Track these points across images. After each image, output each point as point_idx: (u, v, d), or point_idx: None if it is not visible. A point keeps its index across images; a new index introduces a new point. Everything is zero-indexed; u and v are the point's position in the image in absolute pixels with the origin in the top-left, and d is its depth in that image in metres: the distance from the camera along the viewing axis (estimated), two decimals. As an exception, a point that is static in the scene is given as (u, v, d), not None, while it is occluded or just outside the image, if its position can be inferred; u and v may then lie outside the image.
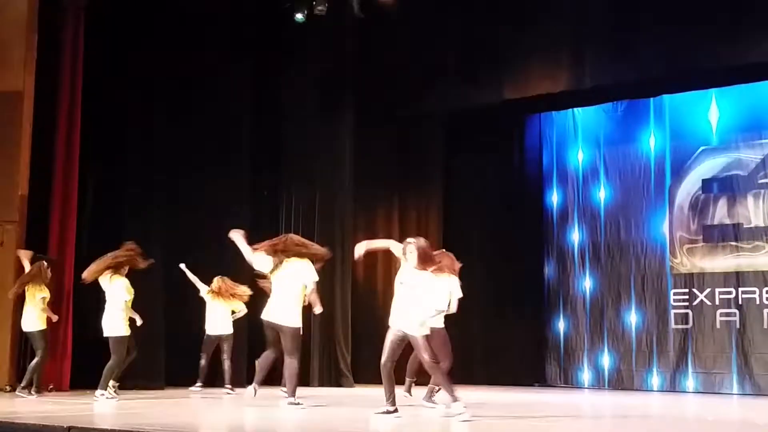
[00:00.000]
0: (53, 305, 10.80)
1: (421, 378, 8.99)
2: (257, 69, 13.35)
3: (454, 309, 8.79)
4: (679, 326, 12.95)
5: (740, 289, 12.53)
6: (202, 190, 12.61)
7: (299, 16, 12.79)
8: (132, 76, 11.89)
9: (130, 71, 11.86)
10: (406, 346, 7.62)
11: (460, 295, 8.89)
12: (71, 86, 11.25)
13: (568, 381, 13.89)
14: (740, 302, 12.52)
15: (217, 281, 11.32)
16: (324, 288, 12.87)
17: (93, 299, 11.19)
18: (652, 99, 13.38)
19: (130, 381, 10.77)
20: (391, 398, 7.47)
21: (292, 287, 8.64)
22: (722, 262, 12.73)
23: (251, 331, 11.52)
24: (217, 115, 12.78)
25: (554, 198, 14.44)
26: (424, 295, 7.48)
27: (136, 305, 10.09)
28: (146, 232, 11.92)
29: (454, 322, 14.60)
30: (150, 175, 12.13)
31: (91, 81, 11.44)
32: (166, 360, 11.73)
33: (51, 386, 10.49)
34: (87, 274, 9.73)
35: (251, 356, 10.71)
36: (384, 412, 7.40)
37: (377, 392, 9.79)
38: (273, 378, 9.57)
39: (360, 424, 7.38)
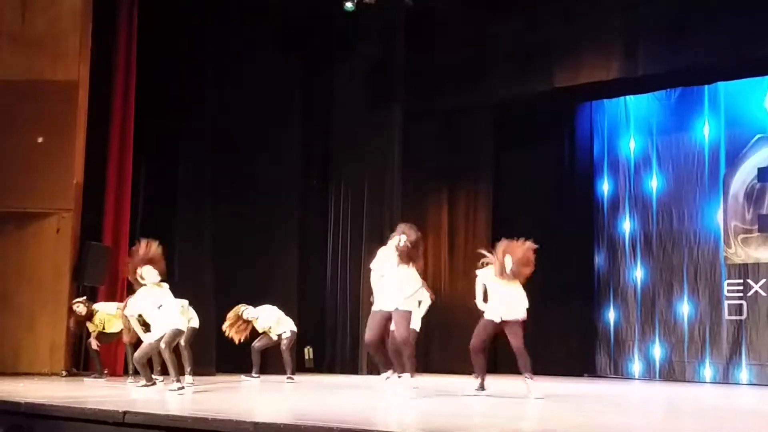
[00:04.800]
0: (108, 292, 11.04)
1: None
2: (308, 59, 13.41)
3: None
4: (733, 317, 12.75)
5: (796, 280, 12.32)
6: (253, 179, 12.73)
7: (349, 5, 12.78)
8: (185, 65, 12.02)
9: (183, 61, 11.99)
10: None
11: None
12: (125, 75, 11.43)
13: (618, 372, 13.77)
14: (796, 293, 12.30)
15: None
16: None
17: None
18: (706, 86, 13.14)
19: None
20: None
21: None
22: (778, 252, 12.51)
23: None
24: (268, 104, 12.88)
25: (605, 187, 14.29)
26: None
27: (187, 295, 10.25)
28: (198, 219, 12.10)
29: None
30: (202, 163, 12.27)
31: (145, 70, 11.60)
32: (217, 347, 11.86)
33: (106, 371, 10.67)
34: None
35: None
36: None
37: (439, 381, 9.81)
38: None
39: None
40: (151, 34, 11.67)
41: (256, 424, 5.54)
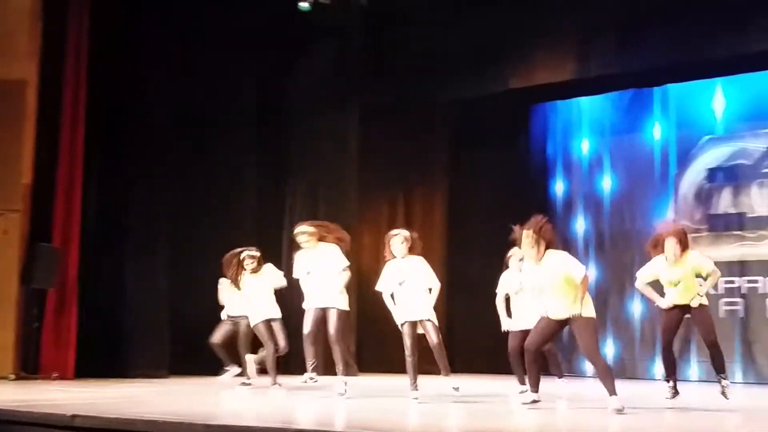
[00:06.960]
0: (57, 295, 10.87)
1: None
2: (263, 60, 13.33)
3: None
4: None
5: (744, 279, 12.53)
6: (208, 178, 12.63)
7: (304, 5, 12.71)
8: (136, 65, 11.88)
9: (134, 60, 11.85)
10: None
11: None
12: (75, 75, 11.25)
13: (572, 370, 13.83)
14: (744, 291, 12.52)
15: None
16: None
17: (97, 288, 11.24)
18: (656, 88, 13.34)
19: (133, 370, 10.87)
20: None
21: None
22: (726, 251, 12.70)
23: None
24: (222, 103, 12.79)
25: (559, 187, 14.41)
26: None
27: (140, 296, 10.13)
28: (150, 220, 11.96)
29: (459, 312, 14.53)
30: (155, 163, 12.13)
31: (96, 69, 11.44)
32: (171, 348, 11.74)
33: (55, 375, 10.51)
34: None
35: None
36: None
37: (383, 381, 9.81)
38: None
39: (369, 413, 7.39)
40: (103, 33, 11.51)
41: (207, 426, 5.49)
